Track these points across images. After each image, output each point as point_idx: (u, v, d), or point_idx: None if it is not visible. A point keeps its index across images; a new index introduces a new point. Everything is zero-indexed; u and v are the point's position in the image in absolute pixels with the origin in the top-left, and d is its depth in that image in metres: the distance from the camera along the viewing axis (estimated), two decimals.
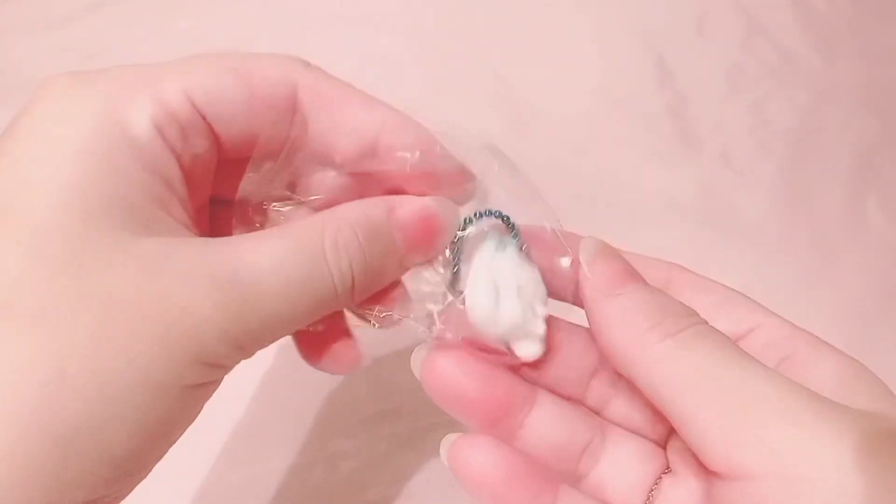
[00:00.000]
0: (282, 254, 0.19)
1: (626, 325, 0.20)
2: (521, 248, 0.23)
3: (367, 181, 0.22)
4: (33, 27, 0.50)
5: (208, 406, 0.39)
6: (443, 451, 0.22)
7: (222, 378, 0.20)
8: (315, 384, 0.38)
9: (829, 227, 0.47)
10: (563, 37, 0.53)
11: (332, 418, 0.37)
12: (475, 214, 0.23)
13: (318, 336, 0.24)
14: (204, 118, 0.20)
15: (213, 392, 0.20)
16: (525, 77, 0.51)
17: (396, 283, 0.23)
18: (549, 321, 0.23)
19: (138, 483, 0.20)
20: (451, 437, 0.22)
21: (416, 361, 0.23)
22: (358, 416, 0.38)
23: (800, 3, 0.56)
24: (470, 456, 0.22)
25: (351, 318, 0.24)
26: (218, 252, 0.18)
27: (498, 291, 0.22)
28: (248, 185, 0.22)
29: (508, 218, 0.23)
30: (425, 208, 0.22)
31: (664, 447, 0.24)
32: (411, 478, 0.36)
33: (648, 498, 0.22)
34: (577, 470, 0.23)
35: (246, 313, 0.18)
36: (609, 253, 0.22)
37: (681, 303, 0.21)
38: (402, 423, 0.37)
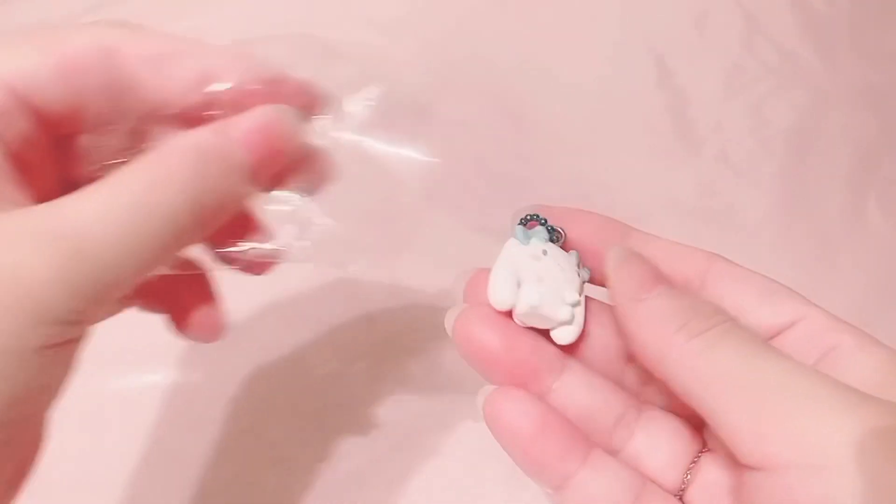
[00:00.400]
0: (108, 198, 0.18)
1: (654, 328, 0.21)
2: (551, 236, 0.23)
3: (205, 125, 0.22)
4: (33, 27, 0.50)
5: (207, 405, 0.39)
6: (479, 401, 0.22)
7: (84, 333, 0.19)
8: (315, 383, 0.38)
9: (828, 226, 0.47)
10: (563, 36, 0.53)
11: (332, 418, 0.37)
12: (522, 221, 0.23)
13: (184, 302, 0.24)
14: (20, 98, 0.20)
15: (79, 348, 0.19)
16: (525, 77, 0.51)
17: (249, 215, 0.23)
18: (587, 303, 0.23)
19: (33, 455, 0.20)
20: (488, 389, 0.22)
21: (450, 320, 0.23)
22: (357, 415, 0.38)
23: (800, 4, 0.56)
24: (503, 406, 0.22)
25: (211, 264, 0.23)
26: (43, 212, 0.18)
27: (518, 282, 0.22)
28: (89, 155, 0.22)
29: (546, 221, 0.23)
30: (261, 115, 0.21)
31: (701, 430, 0.24)
32: (411, 478, 0.36)
33: (687, 475, 0.23)
34: (612, 442, 0.23)
35: (84, 265, 0.18)
36: (634, 259, 0.22)
37: (708, 302, 0.21)
38: (402, 424, 0.37)
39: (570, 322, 0.22)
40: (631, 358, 0.24)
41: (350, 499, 0.36)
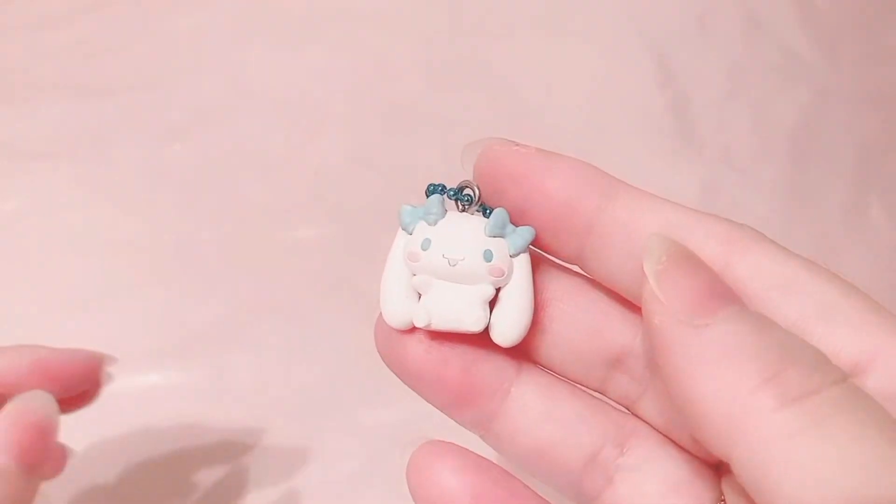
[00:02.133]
0: None
1: (722, 373, 0.13)
2: (460, 201, 0.18)
3: None
4: (33, 27, 0.50)
5: (208, 406, 0.39)
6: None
7: None
8: (314, 383, 0.38)
9: (831, 226, 0.46)
10: (564, 36, 0.53)
11: (332, 418, 0.37)
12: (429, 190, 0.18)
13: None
14: None
15: None
16: (525, 76, 0.51)
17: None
18: (541, 276, 0.17)
19: None
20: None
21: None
22: (358, 415, 0.37)
23: (802, 2, 0.56)
24: (430, 472, 0.17)
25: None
26: None
27: (409, 290, 0.17)
28: None
29: (443, 187, 0.18)
30: (19, 414, 0.20)
31: (716, 471, 0.17)
32: None
33: None
34: (583, 490, 0.17)
35: None
36: (687, 260, 0.15)
37: (804, 342, 0.14)
38: (402, 424, 0.37)
39: (483, 322, 0.17)
40: (619, 361, 0.17)
41: (350, 499, 0.35)
